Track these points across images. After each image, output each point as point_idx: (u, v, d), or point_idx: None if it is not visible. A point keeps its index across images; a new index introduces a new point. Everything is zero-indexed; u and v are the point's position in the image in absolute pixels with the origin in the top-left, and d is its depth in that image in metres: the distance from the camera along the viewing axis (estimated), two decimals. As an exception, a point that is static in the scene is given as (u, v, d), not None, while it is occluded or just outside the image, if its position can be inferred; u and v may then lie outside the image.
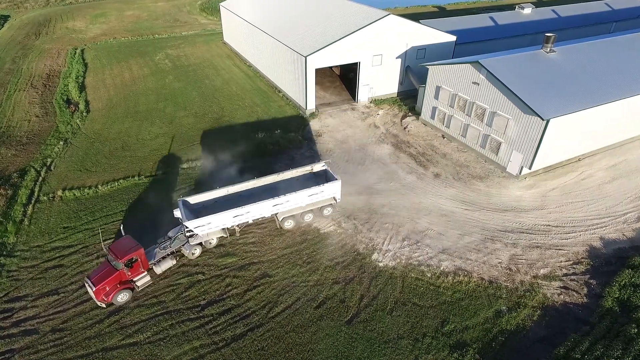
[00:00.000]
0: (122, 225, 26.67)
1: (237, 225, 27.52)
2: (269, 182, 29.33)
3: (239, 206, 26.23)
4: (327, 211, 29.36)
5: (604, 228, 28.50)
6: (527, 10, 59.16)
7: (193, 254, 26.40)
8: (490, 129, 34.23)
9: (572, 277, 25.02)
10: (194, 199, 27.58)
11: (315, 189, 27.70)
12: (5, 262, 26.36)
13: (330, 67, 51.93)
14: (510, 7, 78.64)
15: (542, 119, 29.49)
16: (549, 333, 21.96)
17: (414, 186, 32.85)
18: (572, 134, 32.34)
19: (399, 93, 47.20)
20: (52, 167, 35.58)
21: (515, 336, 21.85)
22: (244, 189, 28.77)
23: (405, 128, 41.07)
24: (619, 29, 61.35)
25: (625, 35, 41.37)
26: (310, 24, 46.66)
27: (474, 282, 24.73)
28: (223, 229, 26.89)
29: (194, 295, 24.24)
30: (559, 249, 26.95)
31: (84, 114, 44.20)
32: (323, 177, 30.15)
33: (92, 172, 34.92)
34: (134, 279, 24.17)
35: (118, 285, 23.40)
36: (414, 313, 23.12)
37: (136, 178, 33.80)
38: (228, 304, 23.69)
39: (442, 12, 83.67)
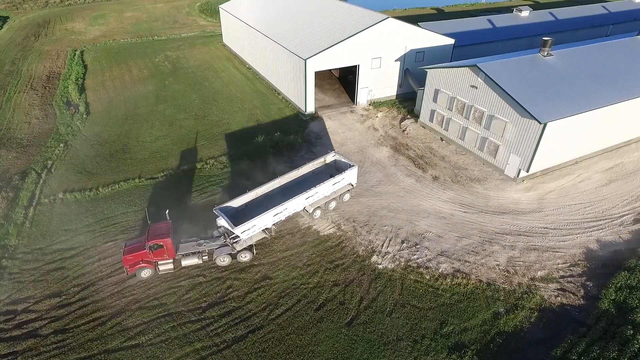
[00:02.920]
0: (167, 211, 27.19)
1: (274, 224, 27.70)
2: (291, 179, 30.11)
3: (273, 205, 26.73)
4: (346, 197, 31.21)
5: (601, 230, 28.83)
6: (525, 13, 59.58)
7: (222, 260, 26.16)
8: (488, 132, 34.54)
9: (569, 279, 25.33)
10: (229, 205, 27.30)
11: (338, 177, 29.43)
12: (7, 265, 26.51)
13: (330, 70, 52.18)
14: (508, 9, 79.13)
15: (540, 123, 29.80)
16: (546, 335, 22.26)
17: (412, 189, 33.13)
18: (569, 137, 32.67)
19: (397, 96, 47.48)
20: (52, 170, 35.74)
21: (512, 338, 22.13)
22: (271, 188, 29.22)
23: (404, 131, 41.35)
24: (616, 32, 61.88)
25: (622, 39, 41.76)
26: (310, 26, 46.92)
27: (472, 284, 25.01)
28: (263, 230, 27.02)
29: (195, 297, 24.44)
30: (556, 251, 27.26)
31: (84, 115, 44.35)
32: (333, 167, 31.81)
33: (92, 174, 35.10)
34: (158, 263, 25.33)
35: (141, 262, 24.87)
36: (413, 315, 23.38)
37: (137, 180, 34.00)
38: (229, 306, 23.92)
39: (440, 14, 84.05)
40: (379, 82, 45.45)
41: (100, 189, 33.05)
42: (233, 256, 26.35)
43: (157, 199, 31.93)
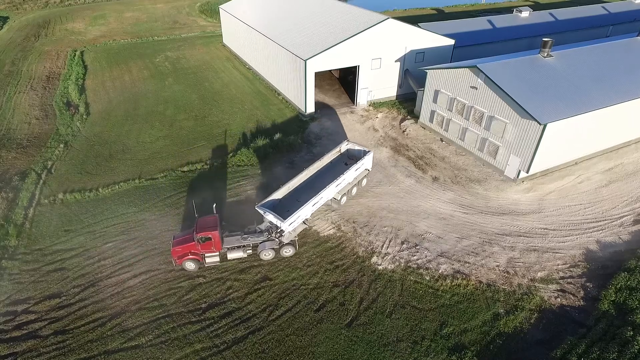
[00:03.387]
0: (215, 204, 27.56)
1: (311, 215, 28.58)
2: (316, 170, 31.28)
3: (304, 196, 27.86)
4: (364, 182, 32.92)
5: (601, 231, 28.83)
6: (525, 14, 59.58)
7: (267, 255, 26.65)
8: (488, 132, 34.55)
9: (569, 280, 25.33)
10: (269, 200, 27.56)
11: (359, 163, 31.05)
12: (7, 265, 26.51)
13: (330, 71, 52.16)
14: (508, 9, 79.15)
15: (540, 124, 29.80)
16: (546, 336, 22.26)
17: (412, 190, 33.12)
18: (569, 138, 32.67)
19: (397, 96, 47.48)
20: (52, 170, 35.73)
21: (512, 339, 22.13)
22: (300, 182, 29.88)
23: (404, 131, 41.35)
24: (615, 33, 61.88)
25: (622, 40, 41.74)
26: (310, 27, 46.92)
27: (472, 285, 25.01)
28: (303, 221, 27.64)
29: (195, 298, 24.44)
30: (556, 252, 27.26)
31: (84, 116, 44.35)
32: (345, 155, 33.51)
33: (92, 175, 35.10)
34: (205, 255, 25.89)
35: (189, 254, 25.44)
36: (413, 316, 23.38)
37: (137, 181, 33.99)
38: (229, 307, 23.92)
39: (440, 15, 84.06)
40: (379, 82, 45.45)
41: (100, 189, 33.05)
42: (276, 251, 26.79)
43: (157, 200, 31.96)
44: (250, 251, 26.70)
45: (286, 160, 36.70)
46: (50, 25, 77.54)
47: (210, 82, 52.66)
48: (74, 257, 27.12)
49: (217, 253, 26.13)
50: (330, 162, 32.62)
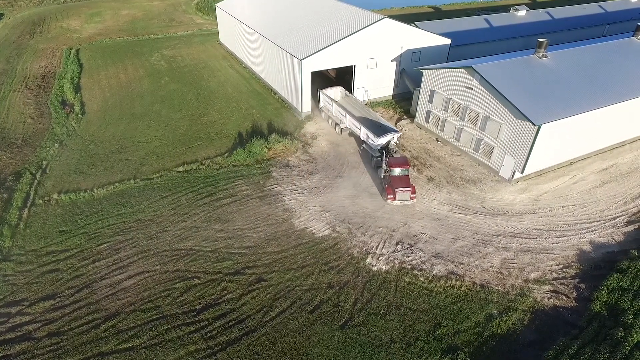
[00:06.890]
0: (386, 156, 33.15)
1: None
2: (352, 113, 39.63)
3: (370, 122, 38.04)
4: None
5: (594, 232, 28.98)
6: (522, 13, 59.58)
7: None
8: (483, 133, 34.61)
9: (562, 281, 25.48)
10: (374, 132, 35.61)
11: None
12: (1, 267, 26.47)
13: (326, 70, 52.02)
14: (505, 7, 79.13)
15: (534, 125, 29.88)
16: (539, 337, 22.41)
17: (407, 190, 33.16)
18: (564, 138, 32.77)
19: (394, 96, 47.48)
20: (47, 170, 35.64)
21: (505, 340, 22.27)
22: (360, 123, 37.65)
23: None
24: (612, 31, 61.99)
25: (617, 41, 41.81)
26: (306, 26, 46.80)
27: (466, 286, 25.12)
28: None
29: (189, 299, 24.46)
30: (550, 253, 27.40)
31: (80, 115, 44.19)
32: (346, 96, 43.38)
33: (87, 175, 35.03)
34: None
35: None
36: (407, 317, 23.48)
37: (132, 181, 33.94)
38: (223, 308, 23.96)
39: (437, 13, 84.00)
40: (375, 82, 45.42)
41: (95, 189, 32.99)
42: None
43: (153, 200, 31.93)
44: None
45: (282, 160, 36.67)
46: (46, 23, 77.09)
47: (206, 81, 52.51)
48: (69, 258, 27.10)
49: None
50: (347, 103, 41.12)
